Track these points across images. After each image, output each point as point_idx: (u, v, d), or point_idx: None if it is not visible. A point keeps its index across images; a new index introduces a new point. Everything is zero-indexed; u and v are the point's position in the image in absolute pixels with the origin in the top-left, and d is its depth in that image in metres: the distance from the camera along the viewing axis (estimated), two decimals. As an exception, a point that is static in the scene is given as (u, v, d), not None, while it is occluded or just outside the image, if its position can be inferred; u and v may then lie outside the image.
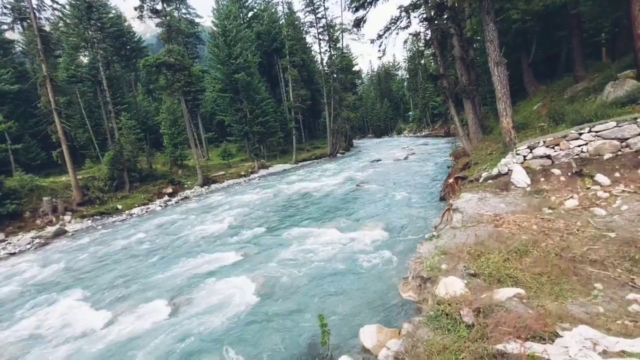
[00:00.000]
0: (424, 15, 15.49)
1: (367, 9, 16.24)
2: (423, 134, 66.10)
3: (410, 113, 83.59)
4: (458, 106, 17.68)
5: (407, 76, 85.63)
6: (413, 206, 13.24)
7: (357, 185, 20.34)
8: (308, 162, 44.57)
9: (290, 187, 23.75)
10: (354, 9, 16.07)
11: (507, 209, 6.35)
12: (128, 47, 55.60)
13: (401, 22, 14.88)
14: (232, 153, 44.16)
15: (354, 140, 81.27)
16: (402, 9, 14.66)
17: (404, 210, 12.91)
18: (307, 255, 9.61)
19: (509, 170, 7.85)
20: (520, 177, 7.46)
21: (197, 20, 51.35)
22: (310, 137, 64.75)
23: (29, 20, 21.17)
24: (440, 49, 15.84)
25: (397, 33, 15.24)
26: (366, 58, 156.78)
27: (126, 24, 54.74)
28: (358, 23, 16.27)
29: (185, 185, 30.61)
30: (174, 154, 34.16)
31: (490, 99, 24.98)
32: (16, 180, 21.69)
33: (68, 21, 47.94)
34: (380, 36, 15.46)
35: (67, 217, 21.70)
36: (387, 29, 15.22)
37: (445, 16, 14.54)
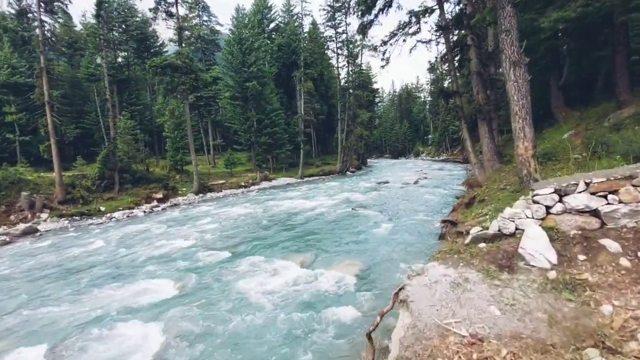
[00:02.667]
0: (438, 23, 13.52)
1: (375, 15, 14.42)
2: (441, 158, 63.16)
3: (430, 136, 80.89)
4: (474, 130, 15.41)
5: (429, 98, 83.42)
6: (404, 244, 10.86)
7: (352, 209, 18.10)
8: (315, 177, 42.67)
9: (283, 204, 21.79)
10: (360, 13, 14.32)
11: (502, 324, 3.19)
12: (152, 50, 56.52)
13: (410, 28, 12.97)
14: (239, 162, 42.91)
15: (369, 159, 79.12)
16: (412, 13, 12.74)
17: (392, 248, 10.57)
18: (253, 300, 7.47)
19: (517, 229, 4.77)
20: (537, 247, 4.20)
21: (217, 28, 51.54)
22: (323, 152, 63.15)
23: (34, 13, 20.71)
24: (454, 62, 13.74)
25: (405, 40, 13.31)
26: (388, 77, 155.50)
27: (150, 28, 55.77)
28: (363, 28, 14.49)
29: (180, 192, 29.20)
30: (174, 158, 33.05)
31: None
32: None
33: (92, 20, 49.22)
34: (385, 43, 13.56)
35: (44, 215, 20.48)
36: (392, 34, 13.31)
37: (464, 23, 12.50)
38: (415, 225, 13.15)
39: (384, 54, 13.80)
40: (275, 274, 8.78)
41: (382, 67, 14.68)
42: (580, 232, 4.36)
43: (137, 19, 52.18)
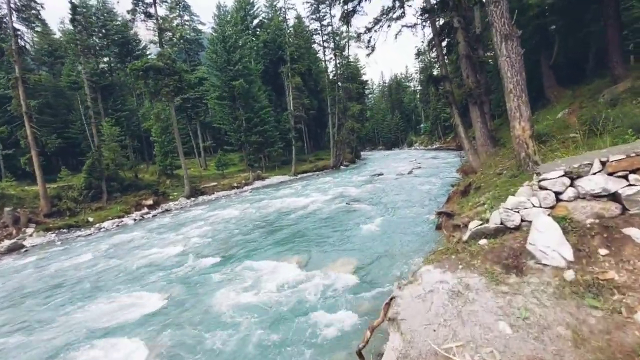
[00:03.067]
0: (423, 6, 13.02)
1: (358, 1, 13.88)
2: (434, 146, 62.98)
3: (422, 125, 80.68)
4: (465, 115, 15.02)
5: (419, 87, 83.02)
6: (400, 237, 10.48)
7: (346, 203, 17.70)
8: (309, 174, 42.18)
9: (275, 203, 21.31)
10: (342, 0, 13.77)
11: (516, 346, 2.62)
12: (134, 54, 55.24)
13: (394, 12, 12.46)
14: (231, 163, 42.26)
15: (362, 152, 78.76)
16: (396, -3, 12.24)
17: (388, 242, 10.19)
18: (242, 310, 7.03)
19: (522, 221, 4.11)
20: (548, 242, 3.55)
21: (200, 27, 50.45)
22: (315, 147, 62.57)
23: (6, 21, 19.84)
24: (442, 46, 13.28)
25: (389, 25, 12.81)
26: (377, 68, 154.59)
27: (132, 32, 54.46)
28: (347, 16, 13.96)
29: (171, 197, 28.56)
30: (163, 163, 32.33)
31: (504, 108, 22.15)
32: (-22, 188, 20.05)
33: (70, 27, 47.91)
34: (369, 29, 13.05)
35: (29, 230, 19.80)
36: (376, 21, 12.80)
37: (449, 5, 11.99)
38: (411, 218, 12.77)
39: (368, 42, 13.29)
40: (266, 279, 8.33)
41: (368, 55, 14.14)
42: (598, 220, 3.63)
43: (117, 22, 50.86)
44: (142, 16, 29.43)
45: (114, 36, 47.45)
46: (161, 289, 8.81)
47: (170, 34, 44.63)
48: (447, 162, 32.26)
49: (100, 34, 48.00)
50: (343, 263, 8.98)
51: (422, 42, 13.63)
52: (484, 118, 13.24)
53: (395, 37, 13.24)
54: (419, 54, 12.58)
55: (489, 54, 20.12)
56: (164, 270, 10.51)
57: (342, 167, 47.55)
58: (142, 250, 13.46)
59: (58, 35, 55.77)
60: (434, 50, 14.07)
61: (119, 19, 52.67)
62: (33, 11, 22.21)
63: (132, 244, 15.28)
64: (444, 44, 16.26)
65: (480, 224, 4.25)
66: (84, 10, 46.12)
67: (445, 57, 16.64)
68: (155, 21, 28.84)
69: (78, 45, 30.06)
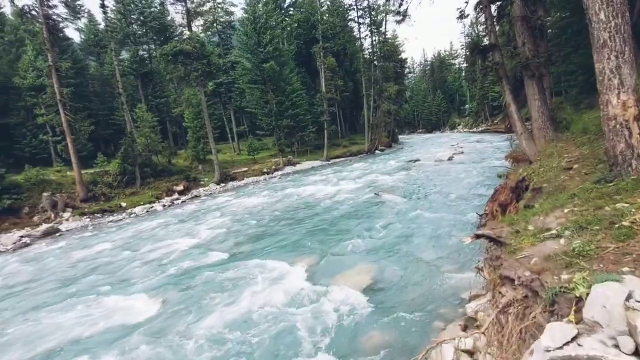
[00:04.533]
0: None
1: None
2: (479, 129, 58.00)
3: (467, 106, 74.73)
4: (518, 93, 12.55)
5: (465, 64, 76.48)
6: (432, 242, 8.82)
7: (375, 194, 16.09)
8: (341, 159, 40.67)
9: (302, 191, 20.25)
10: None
11: None
12: (172, 40, 56.14)
13: (431, -32, 10.30)
14: (265, 147, 41.87)
15: (400, 136, 75.15)
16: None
17: (416, 249, 8.59)
18: (229, 326, 5.99)
19: None
20: None
21: (232, 9, 49.60)
22: (351, 131, 60.44)
23: (36, 9, 20.24)
24: (491, 8, 10.90)
25: (425, -15, 10.68)
26: (419, 45, 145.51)
27: (169, 18, 55.16)
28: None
29: (202, 182, 28.68)
30: (195, 149, 32.54)
31: (567, 83, 18.78)
32: (22, 174, 21.15)
33: (112, 16, 49.47)
34: (399, -8, 11.01)
35: (66, 214, 20.64)
36: (410, -21, 10.72)
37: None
38: (446, 219, 10.94)
39: (399, 6, 11.27)
40: (267, 288, 7.21)
41: (398, 22, 12.04)
42: None
43: (154, 9, 51.59)
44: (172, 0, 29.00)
45: (151, 23, 48.17)
46: (158, 291, 8.08)
47: (203, 18, 44.52)
48: (494, 147, 28.99)
49: (139, 22, 49.04)
50: (359, 272, 7.60)
51: (466, 1, 11.26)
52: (543, 95, 10.80)
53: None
54: (461, 16, 10.41)
55: (550, 17, 16.86)
56: (169, 266, 9.85)
57: (377, 151, 45.32)
58: (158, 242, 13.06)
59: (103, 25, 58.21)
60: (480, 14, 11.67)
61: (157, 5, 53.53)
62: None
63: (153, 232, 15.06)
64: (493, 7, 13.63)
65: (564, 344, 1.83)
66: (121, -4, 47.36)
67: (495, 23, 14.00)
68: (183, 4, 28.28)
69: (114, 33, 30.59)
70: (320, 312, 5.93)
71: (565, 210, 3.36)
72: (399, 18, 11.60)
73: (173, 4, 29.54)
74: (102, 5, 27.19)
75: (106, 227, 18.59)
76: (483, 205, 9.69)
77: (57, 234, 18.20)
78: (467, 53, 67.47)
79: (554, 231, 2.96)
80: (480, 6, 11.82)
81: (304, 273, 7.85)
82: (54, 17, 21.90)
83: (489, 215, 7.46)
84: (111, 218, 20.58)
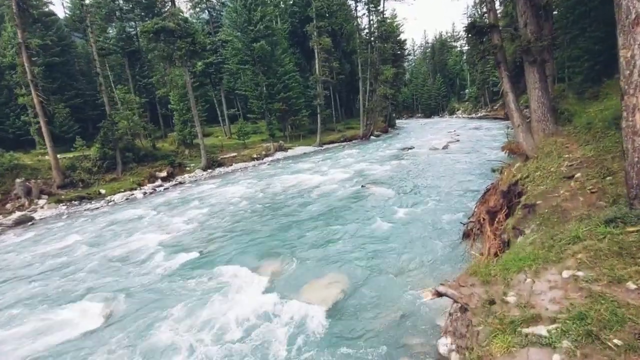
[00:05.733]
0: None
1: None
2: (479, 115, 56.71)
3: (467, 90, 72.92)
4: (518, 80, 11.48)
5: (467, 47, 74.08)
6: (414, 248, 7.98)
7: (362, 186, 15.19)
8: (335, 144, 39.53)
9: (288, 179, 19.33)
10: None
11: None
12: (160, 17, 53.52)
13: None
14: (258, 131, 40.57)
15: (399, 120, 73.67)
16: None
17: (396, 254, 7.76)
18: (174, 348, 5.19)
19: None
20: None
21: (223, -16, 46.87)
22: (347, 115, 58.98)
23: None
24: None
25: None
26: (419, 26, 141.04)
27: (157, -7, 52.36)
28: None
29: (187, 168, 27.64)
30: (182, 132, 31.28)
31: (572, 69, 17.57)
32: (-6, 158, 20.03)
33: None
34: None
35: (41, 202, 19.69)
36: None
37: None
38: (431, 214, 10.10)
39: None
40: (224, 299, 6.40)
41: None
42: None
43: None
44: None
45: (137, -3, 45.61)
46: (107, 300, 7.26)
47: (191, -8, 42.07)
48: (491, 135, 27.97)
49: (123, -4, 46.47)
50: (328, 283, 6.79)
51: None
52: (544, 83, 9.75)
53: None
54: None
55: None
56: (130, 268, 9.03)
57: (372, 137, 44.10)
58: (127, 236, 12.22)
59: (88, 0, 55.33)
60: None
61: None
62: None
63: (125, 225, 14.18)
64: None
65: None
66: (106, -30, 44.66)
67: (498, 1, 12.74)
68: (165, -24, 26.33)
69: (93, 9, 28.67)
70: (271, 339, 5.12)
71: (565, 274, 2.41)
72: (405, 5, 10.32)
73: (155, -24, 27.48)
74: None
75: (81, 216, 17.69)
76: (471, 206, 8.82)
77: (30, 223, 17.29)
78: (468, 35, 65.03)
79: (544, 331, 2.00)
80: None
81: (268, 283, 7.03)
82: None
83: (475, 222, 6.58)
84: (88, 206, 19.64)
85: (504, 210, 6.01)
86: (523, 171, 6.53)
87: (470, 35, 10.51)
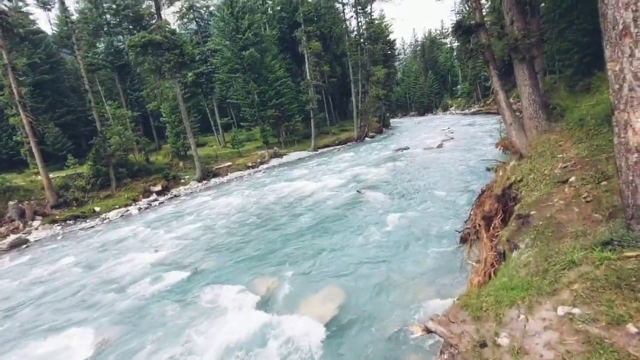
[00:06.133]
0: None
1: None
2: (472, 110, 56.77)
3: (459, 86, 73.12)
4: (508, 77, 11.39)
5: (457, 43, 74.35)
6: (410, 255, 7.83)
7: (357, 191, 15.03)
8: (330, 148, 39.39)
9: (282, 188, 19.16)
10: None
11: None
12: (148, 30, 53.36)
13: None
14: (252, 139, 40.47)
15: (393, 119, 73.69)
16: None
17: (393, 263, 7.60)
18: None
19: None
20: None
21: (210, -7, 46.82)
22: (341, 117, 58.94)
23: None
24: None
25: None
26: (409, 25, 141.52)
27: (144, 6, 52.22)
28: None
29: (182, 180, 27.42)
30: (175, 145, 31.09)
31: (562, 62, 17.53)
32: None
33: (82, 6, 46.69)
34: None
35: (35, 223, 19.43)
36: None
37: None
38: (429, 218, 9.96)
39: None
40: (217, 324, 6.20)
41: None
42: None
43: (127, -2, 48.70)
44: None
45: (124, 12, 45.52)
46: (101, 326, 7.06)
47: (178, 3, 41.98)
48: (485, 131, 27.91)
49: (112, 10, 46.36)
50: (325, 298, 6.61)
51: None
52: (534, 80, 9.65)
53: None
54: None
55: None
56: (120, 291, 8.82)
57: (367, 138, 44.02)
58: (121, 256, 12.00)
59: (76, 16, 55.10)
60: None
61: (130, -7, 50.51)
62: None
63: (119, 244, 13.96)
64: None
65: None
66: (92, -15, 44.58)
67: (482, -1, 12.70)
68: (151, -11, 26.23)
69: (79, 25, 28.49)
70: (271, 350, 4.95)
71: (560, 311, 2.23)
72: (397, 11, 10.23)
73: (140, -10, 27.38)
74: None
75: (76, 236, 17.44)
76: (468, 208, 8.66)
77: (24, 246, 17.05)
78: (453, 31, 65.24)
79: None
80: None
81: (263, 300, 6.85)
82: (9, 12, 19.97)
83: (471, 228, 6.43)
84: (83, 225, 19.40)
85: (499, 215, 5.87)
86: (517, 173, 6.40)
87: (457, 35, 10.41)
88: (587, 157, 5.12)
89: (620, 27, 2.33)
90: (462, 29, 10.33)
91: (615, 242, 2.54)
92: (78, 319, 7.62)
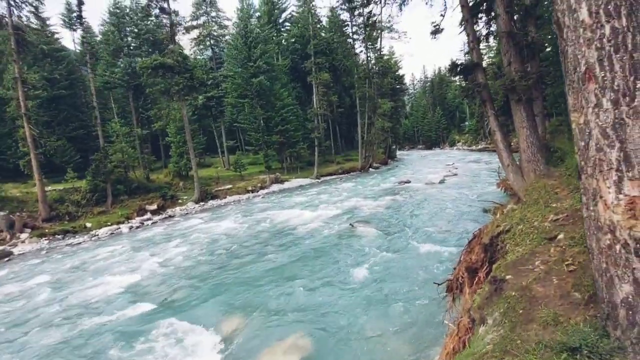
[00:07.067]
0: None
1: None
2: (478, 147, 56.64)
3: (466, 123, 73.53)
4: (507, 117, 11.09)
5: (465, 82, 75.64)
6: (391, 305, 7.17)
7: (351, 224, 14.46)
8: (333, 176, 39.09)
9: (277, 215, 18.68)
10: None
11: None
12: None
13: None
14: (258, 162, 40.51)
15: (400, 152, 73.74)
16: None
17: (371, 312, 6.95)
18: None
19: None
20: None
21: (226, 22, 49.06)
22: (348, 147, 59.20)
23: (5, 19, 19.24)
24: (473, 23, 9.54)
25: (395, -5, 9.33)
26: (419, 62, 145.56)
27: (164, 31, 54.78)
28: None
29: (180, 200, 27.15)
30: (177, 164, 31.18)
31: (564, 105, 17.28)
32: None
33: (106, 28, 49.09)
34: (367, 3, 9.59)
35: (24, 235, 19.10)
36: (378, -11, 9.38)
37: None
38: (419, 260, 9.32)
39: (368, 19, 9.87)
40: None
41: (367, 31, 10.71)
42: None
43: (149, 22, 51.24)
44: (157, 11, 28.20)
45: (145, 36, 47.68)
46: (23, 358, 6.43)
47: (196, 31, 43.90)
48: (489, 168, 27.38)
49: (134, 34, 48.63)
50: (291, 346, 5.95)
51: (442, 15, 9.95)
52: (532, 122, 9.29)
53: (400, 8, 9.85)
54: (436, 31, 9.03)
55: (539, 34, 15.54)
56: (83, 317, 8.24)
57: (371, 169, 43.73)
58: (96, 277, 11.48)
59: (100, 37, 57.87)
60: (462, 26, 10.30)
61: (152, 20, 53.18)
62: (30, 7, 21.44)
63: (99, 263, 13.46)
64: (483, 19, 12.35)
65: None
66: (118, 10, 47.19)
67: (483, 38, 12.71)
68: (167, 16, 27.42)
69: (92, 46, 29.72)
70: None
71: None
72: (395, 35, 10.27)
73: (159, 16, 28.69)
74: (79, 17, 26.33)
75: (60, 252, 16.99)
76: (459, 252, 8.03)
77: (6, 259, 16.58)
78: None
79: None
80: (465, 20, 10.45)
81: (224, 344, 6.21)
82: (25, 28, 20.89)
83: (453, 280, 5.82)
84: (71, 240, 18.99)
85: (484, 268, 5.29)
86: (507, 221, 5.86)
87: (453, 75, 10.26)
88: (580, 212, 4.60)
89: (583, 68, 1.81)
90: (458, 68, 10.19)
91: (585, 352, 1.87)
92: (34, 350, 7.01)
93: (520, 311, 2.52)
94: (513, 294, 2.80)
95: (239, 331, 6.66)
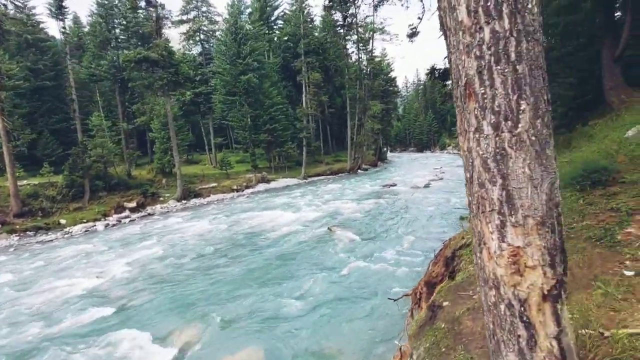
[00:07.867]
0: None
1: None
2: (468, 152, 56.71)
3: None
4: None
5: (443, 87, 76.09)
6: (354, 311, 6.93)
7: (328, 228, 14.21)
8: (321, 177, 38.87)
9: (258, 216, 18.36)
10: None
11: None
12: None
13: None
14: (244, 160, 39.98)
15: (391, 154, 73.94)
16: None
17: (334, 318, 6.70)
18: None
19: None
20: None
21: (217, 18, 48.33)
22: (339, 147, 58.98)
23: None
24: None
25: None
26: (413, 64, 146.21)
27: (152, 24, 53.72)
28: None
29: (161, 198, 26.56)
30: (161, 161, 30.54)
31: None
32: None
33: (93, 19, 47.89)
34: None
35: (-7, 231, 18.37)
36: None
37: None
38: (390, 267, 9.11)
39: (344, 19, 9.60)
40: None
41: (343, 29, 10.49)
42: None
43: (138, 14, 50.19)
44: (143, 4, 27.56)
45: (133, 28, 46.66)
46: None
47: (187, 25, 43.15)
48: (475, 175, 27.39)
49: (122, 26, 47.58)
50: (243, 359, 5.64)
51: (419, 18, 9.69)
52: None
53: (375, 9, 9.59)
54: (413, 34, 8.82)
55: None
56: (35, 321, 7.82)
57: (360, 171, 43.61)
58: (59, 278, 11.02)
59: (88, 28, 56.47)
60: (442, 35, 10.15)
61: (141, 13, 52.11)
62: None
63: (66, 262, 12.96)
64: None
65: None
66: (105, 1, 46.08)
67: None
68: (153, 9, 26.80)
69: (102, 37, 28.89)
70: None
71: None
72: (387, 37, 10.03)
73: (145, 9, 28.02)
74: (60, 7, 25.54)
75: (29, 250, 16.36)
76: (444, 240, 7.84)
77: (-29, 256, 15.93)
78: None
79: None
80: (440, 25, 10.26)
81: (176, 355, 5.87)
82: (2, 17, 20.14)
83: (412, 294, 5.58)
84: (42, 237, 18.33)
85: (444, 283, 5.06)
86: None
87: (431, 78, 10.07)
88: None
89: (464, 81, 1.46)
90: (437, 73, 10.01)
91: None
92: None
93: (443, 349, 2.26)
94: (443, 326, 2.55)
95: (193, 343, 6.34)
